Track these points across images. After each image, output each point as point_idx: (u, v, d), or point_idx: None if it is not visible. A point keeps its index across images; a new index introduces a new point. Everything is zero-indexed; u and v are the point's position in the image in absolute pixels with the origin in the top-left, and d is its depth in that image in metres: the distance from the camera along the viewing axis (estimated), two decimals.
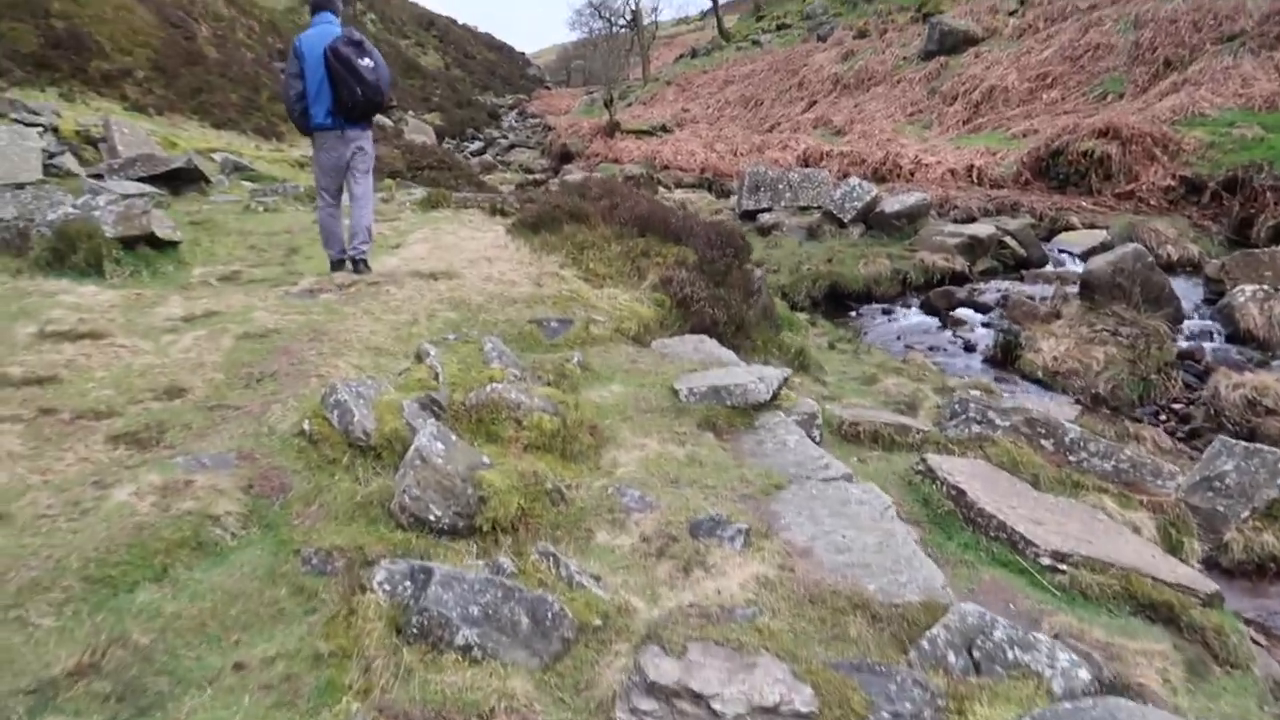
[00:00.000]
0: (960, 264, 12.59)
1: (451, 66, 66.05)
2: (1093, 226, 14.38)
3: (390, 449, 3.38)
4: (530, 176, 24.36)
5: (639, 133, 31.55)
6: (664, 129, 32.32)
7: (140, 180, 9.76)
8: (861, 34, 34.70)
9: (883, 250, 12.92)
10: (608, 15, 48.57)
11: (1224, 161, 14.40)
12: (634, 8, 46.36)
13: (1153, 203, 14.67)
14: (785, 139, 25.92)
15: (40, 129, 11.61)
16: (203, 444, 3.45)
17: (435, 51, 67.02)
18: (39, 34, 16.64)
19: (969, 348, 9.77)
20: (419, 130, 35.24)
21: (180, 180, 10.22)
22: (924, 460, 4.75)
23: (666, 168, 25.83)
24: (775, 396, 4.40)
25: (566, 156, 31.47)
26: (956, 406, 5.56)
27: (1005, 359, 9.12)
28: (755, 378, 4.33)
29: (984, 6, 31.03)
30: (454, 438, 3.30)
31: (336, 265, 6.41)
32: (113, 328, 4.69)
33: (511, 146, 38.12)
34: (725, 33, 45.39)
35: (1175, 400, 7.77)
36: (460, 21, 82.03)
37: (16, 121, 11.42)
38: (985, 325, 10.52)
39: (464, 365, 4.25)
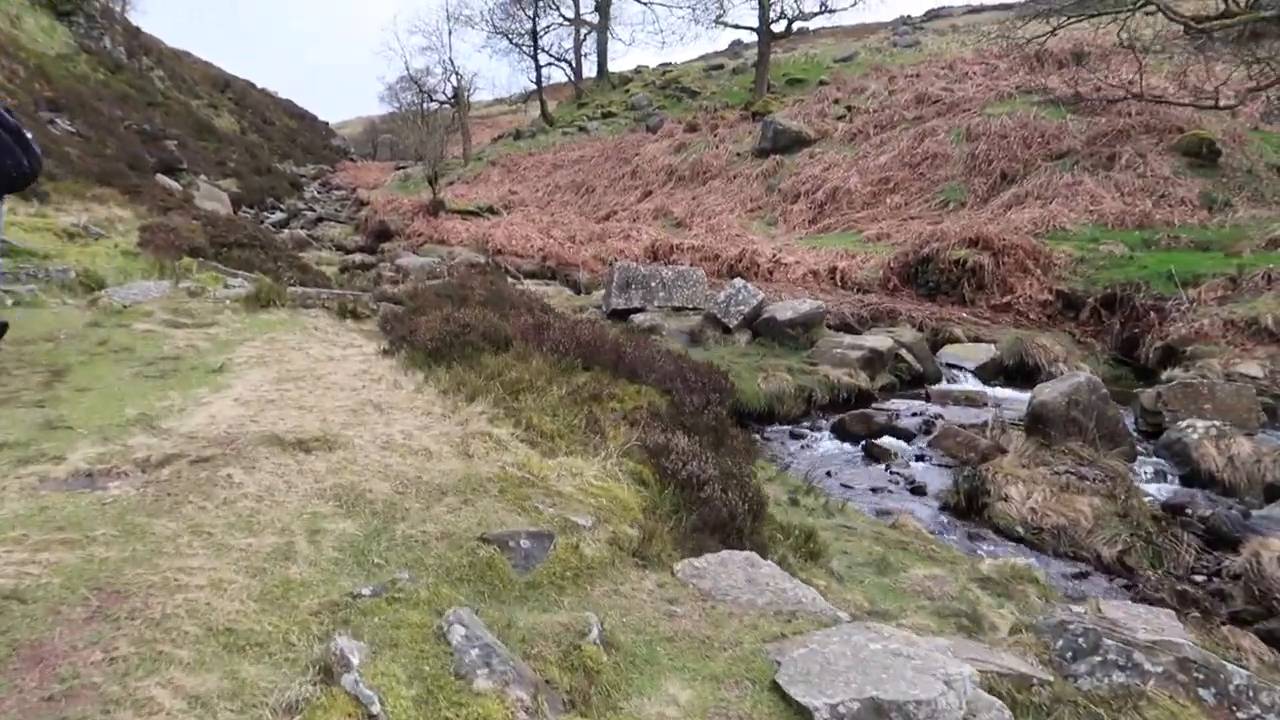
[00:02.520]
0: (864, 380, 11.39)
1: (249, 131, 61.66)
2: (977, 339, 13.69)
3: None
4: (351, 258, 21.68)
5: (465, 213, 29.56)
6: (491, 210, 30.52)
7: None
8: (692, 128, 34.60)
9: (779, 362, 11.55)
10: (427, 89, 46.49)
11: (1098, 278, 14.18)
12: (455, 84, 44.61)
13: (1032, 316, 14.21)
14: (626, 229, 24.72)
15: None
16: None
17: (231, 115, 62.43)
18: None
19: (915, 489, 8.36)
20: (212, 196, 31.62)
21: None
22: None
23: (500, 252, 23.91)
24: None
25: (385, 234, 28.95)
26: (1081, 641, 3.93)
27: (969, 508, 7.75)
28: (940, 684, 2.50)
29: (814, 110, 31.64)
30: None
31: None
32: None
33: (319, 220, 35.03)
34: (549, 117, 44.48)
35: (1194, 571, 6.56)
36: (259, 86, 77.51)
37: None
38: (919, 459, 9.21)
39: (423, 687, 2.18)
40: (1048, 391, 8.78)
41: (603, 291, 14.85)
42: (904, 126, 26.66)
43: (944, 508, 7.91)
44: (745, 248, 19.71)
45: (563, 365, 5.05)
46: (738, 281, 13.01)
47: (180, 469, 3.45)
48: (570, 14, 50.21)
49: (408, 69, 44.08)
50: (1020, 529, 7.26)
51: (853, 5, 37.01)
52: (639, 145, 34.12)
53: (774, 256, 18.87)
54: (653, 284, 13.70)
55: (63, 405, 4.42)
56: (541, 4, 46.85)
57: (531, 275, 20.09)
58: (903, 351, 12.31)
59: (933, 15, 55.48)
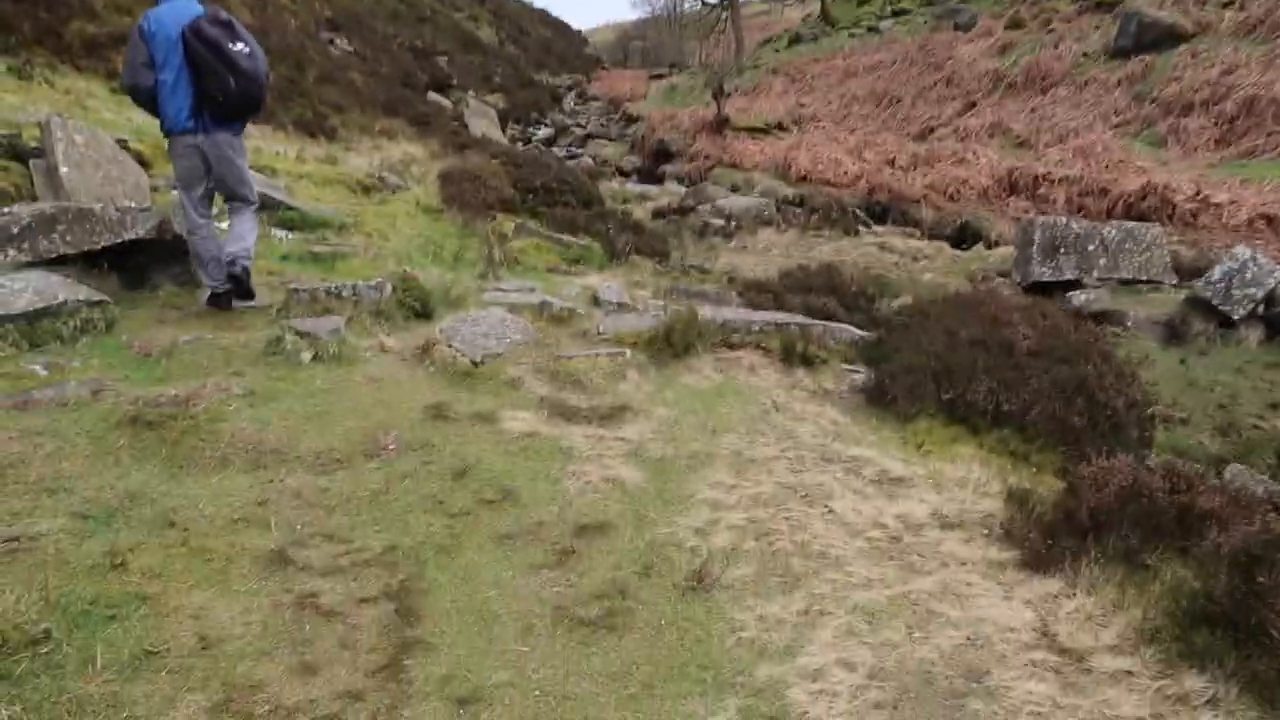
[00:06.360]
0: None
1: (506, 43, 60.80)
2: None
3: None
4: (656, 199, 18.57)
5: (752, 130, 26.12)
6: (780, 127, 26.91)
7: (57, 263, 4.66)
8: (1016, 24, 29.02)
9: None
10: None
11: None
12: None
13: None
14: (958, 150, 20.46)
15: None
16: None
17: (490, 27, 61.79)
18: None
19: None
20: (481, 113, 30.20)
21: (147, 257, 5.10)
22: None
23: (805, 179, 20.50)
24: None
25: (664, 155, 26.24)
26: None
27: None
28: None
29: None
30: None
31: (218, 300, 4.85)
32: None
33: (588, 137, 32.77)
34: (830, 16, 39.70)
35: None
36: None
37: None
38: None
39: None
40: None
41: (1008, 251, 11.22)
42: None
43: None
44: (1150, 180, 15.13)
45: None
46: (1241, 250, 8.96)
47: None
48: None
49: None
50: None
51: None
52: (950, 47, 29.09)
53: (1196, 194, 14.24)
54: (1090, 247, 9.90)
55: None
56: None
57: (862, 212, 16.43)
58: None
59: None
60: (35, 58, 10.60)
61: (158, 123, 4.78)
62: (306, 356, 4.10)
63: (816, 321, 5.05)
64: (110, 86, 11.08)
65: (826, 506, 3.07)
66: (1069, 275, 9.81)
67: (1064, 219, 10.47)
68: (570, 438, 3.55)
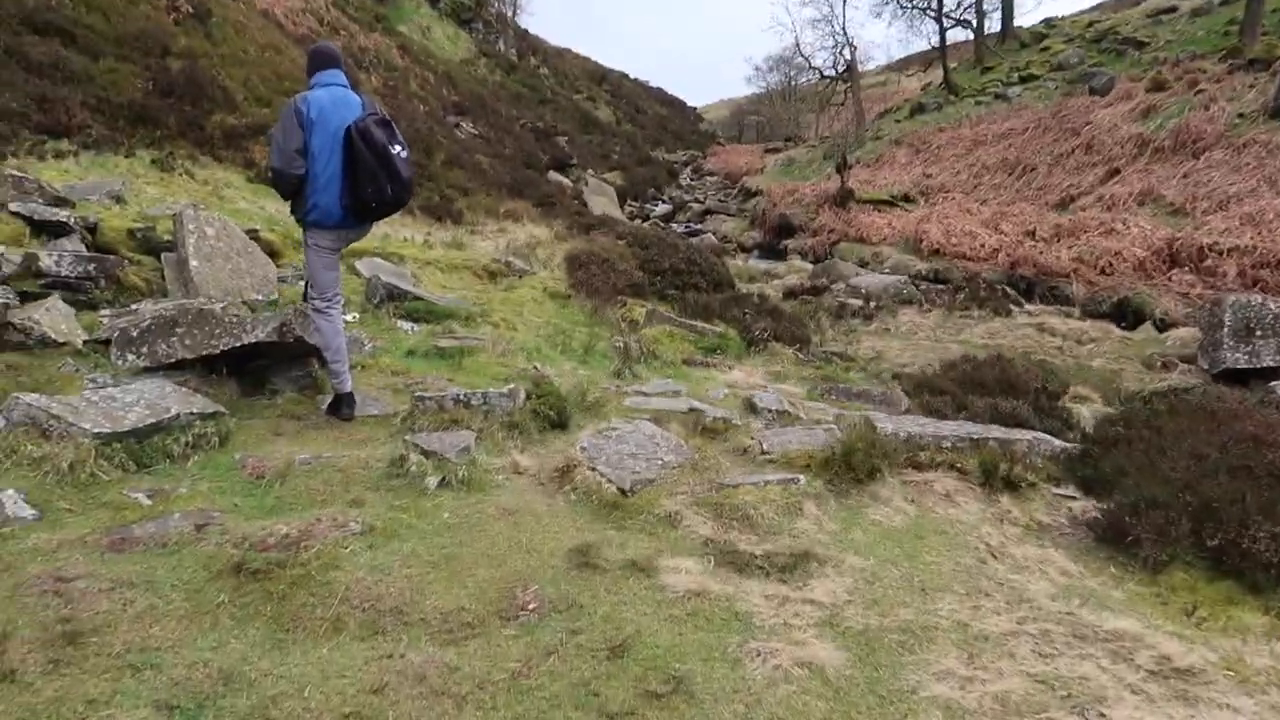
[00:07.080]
0: None
1: (623, 121, 62.04)
2: None
3: None
4: (785, 279, 18.06)
5: (877, 203, 25.34)
6: (906, 199, 26.04)
7: (174, 368, 4.33)
8: (1158, 86, 27.53)
9: None
10: (815, 65, 42.64)
11: None
12: (849, 55, 40.30)
13: None
14: (1104, 220, 19.19)
15: (65, 224, 6.48)
16: None
17: (607, 106, 63.24)
18: (148, 77, 11.98)
19: None
20: (600, 190, 30.42)
21: (268, 360, 4.74)
22: None
23: (938, 253, 19.55)
24: None
25: (786, 230, 25.66)
26: None
27: None
28: None
29: None
30: None
31: (338, 409, 4.56)
32: None
33: (707, 212, 32.57)
34: (954, 85, 38.77)
35: None
36: (631, 76, 78.40)
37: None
38: None
39: None
40: None
41: (1187, 332, 10.10)
42: None
43: None
44: None
45: None
46: None
47: None
48: None
49: (798, 44, 40.40)
50: None
51: None
52: (1087, 112, 27.78)
53: None
54: None
55: None
56: None
57: (1003, 288, 15.37)
58: None
59: None
60: (178, 150, 10.84)
61: (289, 210, 4.53)
62: (432, 482, 3.58)
63: (1019, 434, 4.27)
64: (247, 175, 11.26)
65: (1103, 716, 2.30)
66: (1269, 361, 8.64)
67: (1259, 297, 9.30)
68: (747, 598, 2.88)
